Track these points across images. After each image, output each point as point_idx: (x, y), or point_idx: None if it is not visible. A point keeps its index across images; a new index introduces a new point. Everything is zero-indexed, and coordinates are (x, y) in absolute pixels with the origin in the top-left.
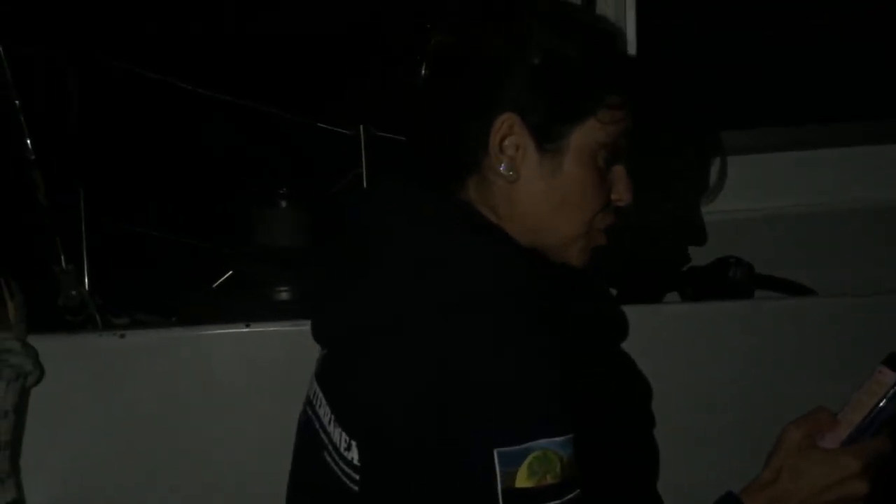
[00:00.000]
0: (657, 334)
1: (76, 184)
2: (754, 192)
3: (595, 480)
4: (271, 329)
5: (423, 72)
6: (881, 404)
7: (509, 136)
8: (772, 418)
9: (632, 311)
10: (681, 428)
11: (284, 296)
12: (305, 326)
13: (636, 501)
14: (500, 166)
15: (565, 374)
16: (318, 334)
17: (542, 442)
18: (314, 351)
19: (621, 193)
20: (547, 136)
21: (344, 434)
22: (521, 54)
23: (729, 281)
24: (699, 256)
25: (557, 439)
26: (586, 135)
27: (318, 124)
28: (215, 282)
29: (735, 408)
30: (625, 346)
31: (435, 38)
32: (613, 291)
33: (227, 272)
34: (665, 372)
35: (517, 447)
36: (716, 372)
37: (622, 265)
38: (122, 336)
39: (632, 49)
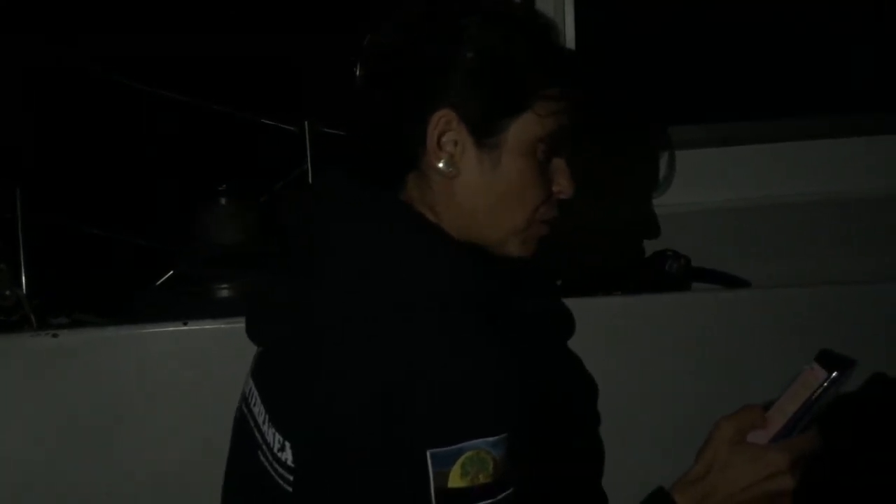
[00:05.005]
0: (594, 327)
1: (12, 181)
2: (690, 186)
3: (542, 475)
4: (210, 327)
5: (357, 69)
6: (811, 400)
7: (447, 131)
8: (706, 408)
9: (569, 305)
10: (617, 419)
11: (225, 293)
12: (244, 324)
13: (578, 496)
14: (440, 163)
15: (511, 372)
16: (254, 334)
17: (475, 442)
18: (253, 348)
19: (563, 186)
20: (485, 131)
21: (278, 435)
22: (456, 50)
23: (666, 274)
24: (638, 250)
25: (490, 439)
26: (524, 128)
27: (263, 120)
28: (156, 280)
29: (671, 399)
30: (564, 339)
31: (371, 36)
32: (557, 284)
33: (168, 270)
34: (602, 364)
35: (450, 447)
36: (652, 363)
37: (563, 259)
38: (56, 336)
39: (571, 44)
